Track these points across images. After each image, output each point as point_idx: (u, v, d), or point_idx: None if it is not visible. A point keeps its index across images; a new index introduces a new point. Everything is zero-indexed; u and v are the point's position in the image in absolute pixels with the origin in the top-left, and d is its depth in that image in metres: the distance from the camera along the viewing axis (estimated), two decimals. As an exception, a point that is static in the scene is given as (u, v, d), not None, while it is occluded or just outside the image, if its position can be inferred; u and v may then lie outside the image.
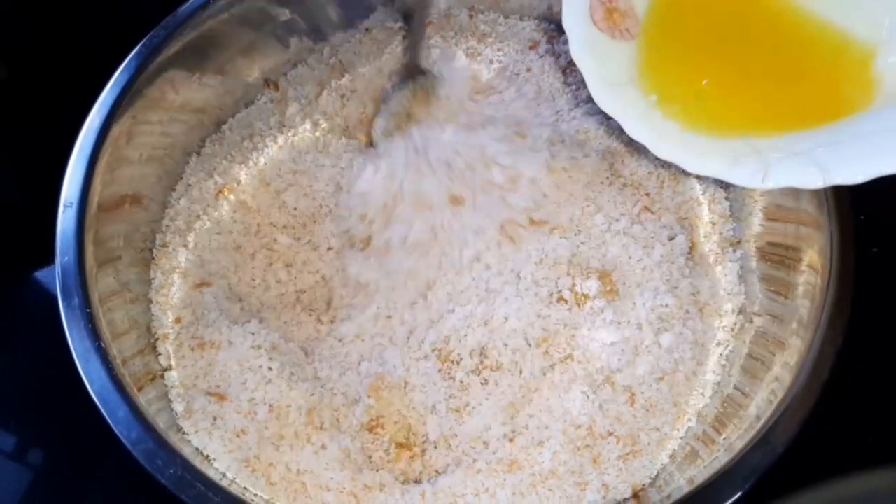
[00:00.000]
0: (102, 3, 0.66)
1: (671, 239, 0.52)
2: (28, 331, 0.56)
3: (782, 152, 0.35)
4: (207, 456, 0.46)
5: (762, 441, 0.42)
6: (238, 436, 0.46)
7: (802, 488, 0.44)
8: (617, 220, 0.52)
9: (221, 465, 0.45)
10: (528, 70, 0.60)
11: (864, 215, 0.52)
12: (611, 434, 0.47)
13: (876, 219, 0.51)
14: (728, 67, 0.38)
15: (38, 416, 0.56)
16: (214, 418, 0.47)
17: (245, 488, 0.45)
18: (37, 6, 0.66)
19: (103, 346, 0.43)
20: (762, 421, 0.43)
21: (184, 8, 0.53)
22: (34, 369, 0.56)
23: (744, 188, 0.50)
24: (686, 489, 0.44)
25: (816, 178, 0.34)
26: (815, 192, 0.47)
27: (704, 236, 0.54)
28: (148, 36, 0.52)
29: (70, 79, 0.51)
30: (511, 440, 0.47)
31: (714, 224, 0.54)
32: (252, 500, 0.42)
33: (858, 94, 0.35)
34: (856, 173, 0.33)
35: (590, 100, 0.56)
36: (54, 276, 0.45)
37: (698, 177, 0.54)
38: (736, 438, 0.44)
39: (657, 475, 0.47)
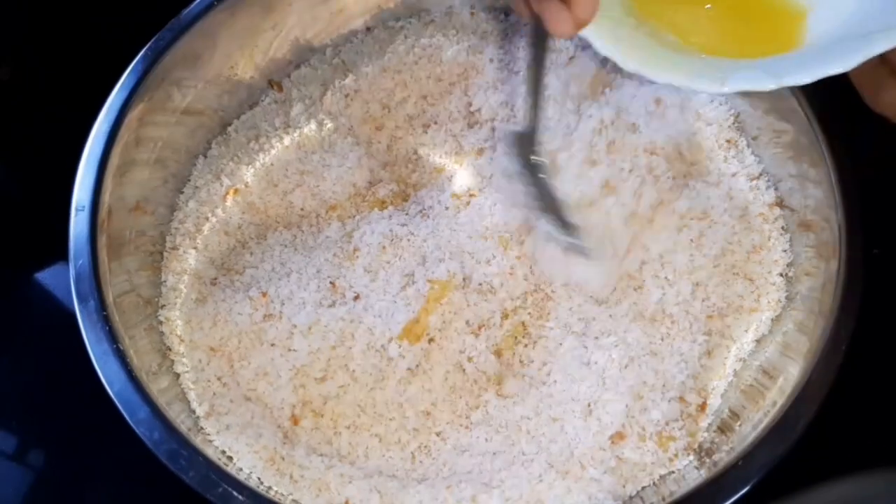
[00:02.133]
0: (105, 4, 0.66)
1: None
2: (29, 332, 0.56)
3: (737, 67, 0.41)
4: (231, 456, 0.46)
5: (773, 434, 0.43)
6: (261, 434, 0.46)
7: (801, 489, 0.44)
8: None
9: (245, 465, 0.45)
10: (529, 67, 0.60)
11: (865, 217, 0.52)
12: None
13: (877, 220, 0.52)
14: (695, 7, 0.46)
15: (39, 417, 0.55)
16: (237, 418, 0.47)
17: (269, 487, 0.45)
18: (40, 7, 0.66)
19: (121, 347, 0.43)
20: (769, 417, 0.44)
21: (188, 10, 0.53)
22: (35, 370, 0.56)
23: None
24: (700, 480, 0.44)
25: (769, 82, 0.39)
26: (826, 188, 0.48)
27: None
28: (153, 39, 0.52)
29: (73, 80, 0.51)
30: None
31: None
32: (276, 498, 0.43)
33: (791, 41, 0.43)
34: (803, 75, 0.38)
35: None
36: (55, 277, 0.45)
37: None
38: (737, 444, 0.45)
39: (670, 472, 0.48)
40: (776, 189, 0.53)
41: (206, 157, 0.58)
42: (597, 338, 0.49)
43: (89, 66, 0.52)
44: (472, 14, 0.63)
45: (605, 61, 0.56)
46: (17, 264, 0.49)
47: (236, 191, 0.57)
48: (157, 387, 0.45)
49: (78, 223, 0.46)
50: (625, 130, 0.54)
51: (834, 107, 0.49)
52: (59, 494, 0.54)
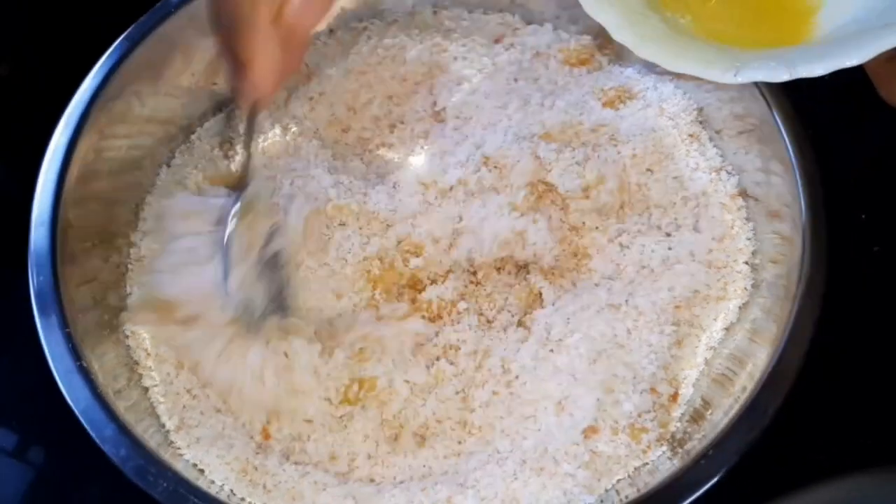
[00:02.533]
0: (106, 4, 0.65)
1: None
2: (29, 329, 0.55)
3: (750, 57, 0.42)
4: (202, 469, 0.46)
5: (742, 421, 0.43)
6: (233, 445, 0.46)
7: (799, 489, 0.44)
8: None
9: (217, 477, 0.45)
10: (494, 64, 0.60)
11: (864, 214, 0.53)
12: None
13: (876, 218, 0.52)
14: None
15: (40, 414, 0.55)
16: (208, 430, 0.46)
17: (242, 498, 0.45)
18: (40, 6, 0.66)
19: (85, 364, 0.42)
20: (739, 403, 0.44)
21: (144, 19, 0.53)
22: (35, 368, 0.55)
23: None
24: (673, 469, 0.45)
25: (783, 73, 0.40)
26: (790, 178, 0.48)
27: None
28: (110, 49, 0.52)
29: (73, 80, 0.50)
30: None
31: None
32: (248, 509, 0.43)
33: (803, 32, 0.44)
34: (817, 66, 0.39)
35: (554, 91, 0.58)
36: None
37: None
38: (708, 432, 0.46)
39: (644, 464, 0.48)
40: (740, 180, 0.54)
41: (169, 166, 0.58)
42: (560, 340, 0.49)
43: (90, 65, 0.51)
44: (434, 13, 0.63)
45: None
46: (17, 264, 0.48)
47: (201, 199, 0.56)
48: (126, 402, 0.44)
49: (38, 238, 0.46)
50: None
51: (802, 99, 0.49)
52: (60, 492, 0.53)
